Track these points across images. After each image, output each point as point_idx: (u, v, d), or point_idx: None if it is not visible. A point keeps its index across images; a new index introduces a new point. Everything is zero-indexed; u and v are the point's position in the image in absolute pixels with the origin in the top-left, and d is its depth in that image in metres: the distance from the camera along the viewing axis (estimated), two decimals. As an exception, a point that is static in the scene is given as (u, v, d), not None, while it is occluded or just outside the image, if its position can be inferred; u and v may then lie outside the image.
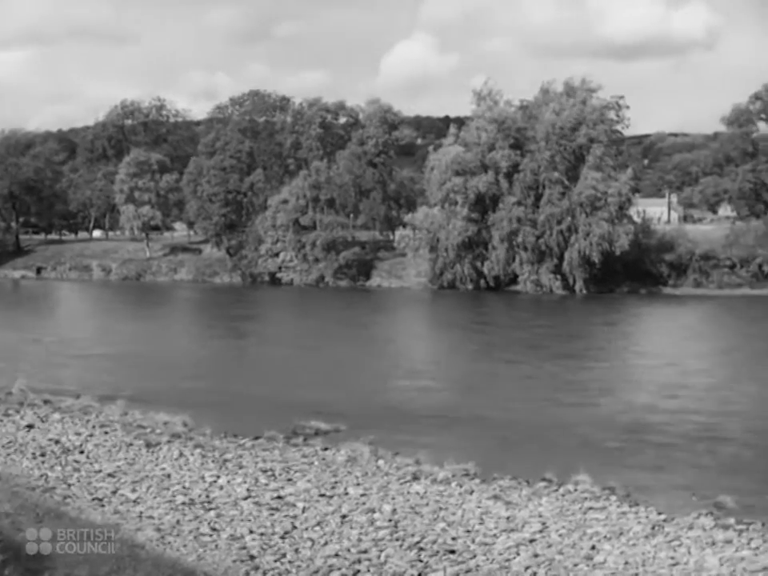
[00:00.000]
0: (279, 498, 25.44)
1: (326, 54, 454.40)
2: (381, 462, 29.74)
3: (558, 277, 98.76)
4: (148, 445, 31.36)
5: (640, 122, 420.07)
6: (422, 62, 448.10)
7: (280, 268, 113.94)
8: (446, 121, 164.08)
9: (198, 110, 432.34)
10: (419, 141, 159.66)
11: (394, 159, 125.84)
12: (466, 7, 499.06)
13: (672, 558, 21.17)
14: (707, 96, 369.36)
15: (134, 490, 25.97)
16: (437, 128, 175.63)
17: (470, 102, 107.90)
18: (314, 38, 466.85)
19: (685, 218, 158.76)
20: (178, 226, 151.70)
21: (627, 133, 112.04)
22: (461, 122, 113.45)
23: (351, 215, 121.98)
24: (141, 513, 23.84)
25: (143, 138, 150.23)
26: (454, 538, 22.29)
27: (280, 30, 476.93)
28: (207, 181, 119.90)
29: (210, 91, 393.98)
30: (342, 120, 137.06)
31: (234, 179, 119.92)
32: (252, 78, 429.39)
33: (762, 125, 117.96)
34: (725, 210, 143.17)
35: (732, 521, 24.01)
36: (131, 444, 31.55)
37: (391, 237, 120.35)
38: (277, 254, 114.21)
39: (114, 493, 25.73)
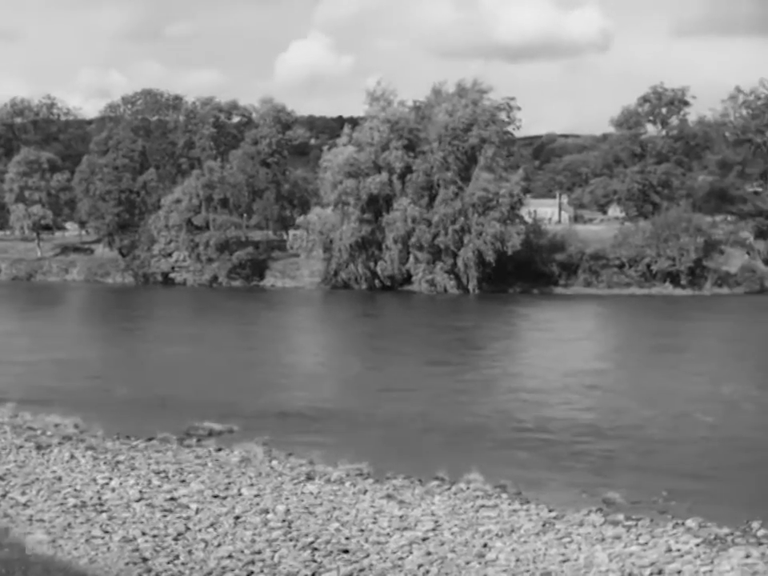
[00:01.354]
0: (172, 499, 25.32)
1: (221, 53, 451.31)
2: (274, 463, 29.76)
3: (453, 276, 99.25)
4: (38, 447, 31.01)
5: (533, 123, 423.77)
6: (318, 62, 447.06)
7: (173, 268, 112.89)
8: (340, 121, 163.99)
9: (92, 109, 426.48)
10: (313, 141, 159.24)
11: (287, 159, 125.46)
12: (362, 7, 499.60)
13: (563, 554, 21.50)
14: (599, 98, 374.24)
15: (23, 493, 25.66)
16: (330, 128, 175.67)
17: (364, 102, 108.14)
18: (209, 37, 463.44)
19: (575, 219, 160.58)
20: (69, 225, 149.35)
21: (519, 134, 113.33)
22: (354, 122, 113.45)
23: (245, 215, 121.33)
24: (31, 516, 23.58)
25: (33, 136, 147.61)
26: (347, 538, 22.38)
27: (175, 29, 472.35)
28: (100, 179, 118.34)
29: (104, 90, 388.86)
30: (236, 119, 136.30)
31: (127, 178, 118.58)
32: (147, 77, 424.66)
33: (650, 127, 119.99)
34: (614, 211, 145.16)
35: (621, 517, 24.47)
36: (21, 446, 31.16)
37: (285, 237, 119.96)
38: (170, 254, 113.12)
39: (4, 496, 25.42)
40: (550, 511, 24.91)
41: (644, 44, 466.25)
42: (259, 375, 49.07)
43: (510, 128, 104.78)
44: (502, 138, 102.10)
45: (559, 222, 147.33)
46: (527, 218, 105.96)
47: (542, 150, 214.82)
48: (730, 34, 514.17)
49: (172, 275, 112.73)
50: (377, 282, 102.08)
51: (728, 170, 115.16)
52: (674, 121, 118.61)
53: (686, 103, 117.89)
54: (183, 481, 27.25)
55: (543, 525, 23.72)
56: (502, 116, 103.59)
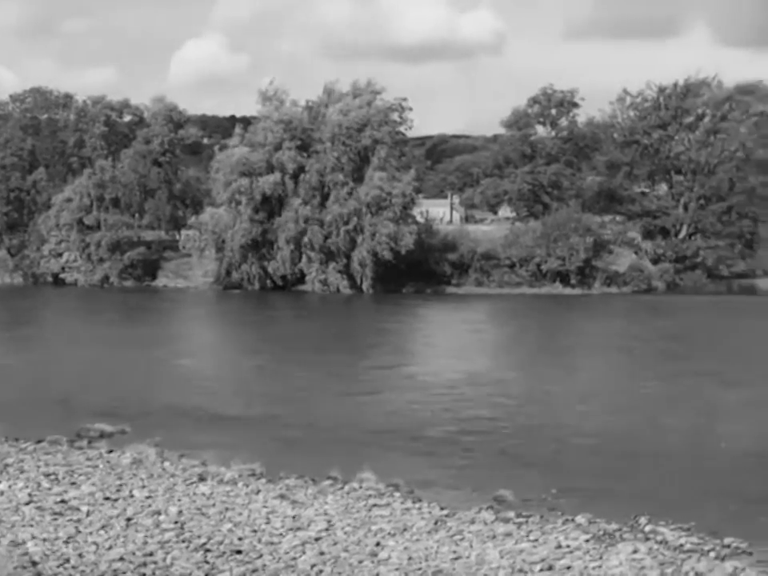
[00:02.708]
0: (63, 502, 25.05)
1: (116, 52, 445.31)
2: (167, 464, 29.60)
3: (346, 276, 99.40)
4: None
5: (426, 123, 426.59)
6: (214, 62, 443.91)
7: (63, 268, 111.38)
8: (233, 120, 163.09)
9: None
10: (206, 140, 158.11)
11: (180, 158, 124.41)
12: (260, 8, 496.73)
13: (454, 552, 21.70)
14: (492, 99, 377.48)
15: None
16: (223, 128, 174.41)
17: (257, 102, 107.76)
18: (103, 35, 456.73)
19: (466, 219, 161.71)
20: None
21: (411, 134, 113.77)
22: (248, 122, 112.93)
23: (137, 215, 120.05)
24: None
25: None
26: (240, 538, 22.36)
27: (68, 26, 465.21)
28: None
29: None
30: (127, 118, 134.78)
31: (16, 177, 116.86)
32: (38, 75, 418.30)
33: (540, 128, 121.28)
34: (505, 211, 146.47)
35: (512, 514, 24.79)
36: None
37: (178, 237, 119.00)
38: (60, 254, 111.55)
39: None
40: (442, 509, 25.13)
41: (536, 46, 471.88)
42: (151, 376, 48.71)
43: (402, 128, 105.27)
44: (394, 139, 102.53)
45: (451, 222, 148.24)
46: (419, 218, 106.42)
47: (434, 150, 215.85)
48: (619, 37, 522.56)
49: (63, 275, 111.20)
50: (269, 281, 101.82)
51: (616, 170, 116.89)
52: (563, 122, 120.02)
53: (575, 105, 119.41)
54: (74, 483, 26.97)
55: (435, 523, 23.92)
56: (395, 116, 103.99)
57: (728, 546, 22.34)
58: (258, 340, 66.73)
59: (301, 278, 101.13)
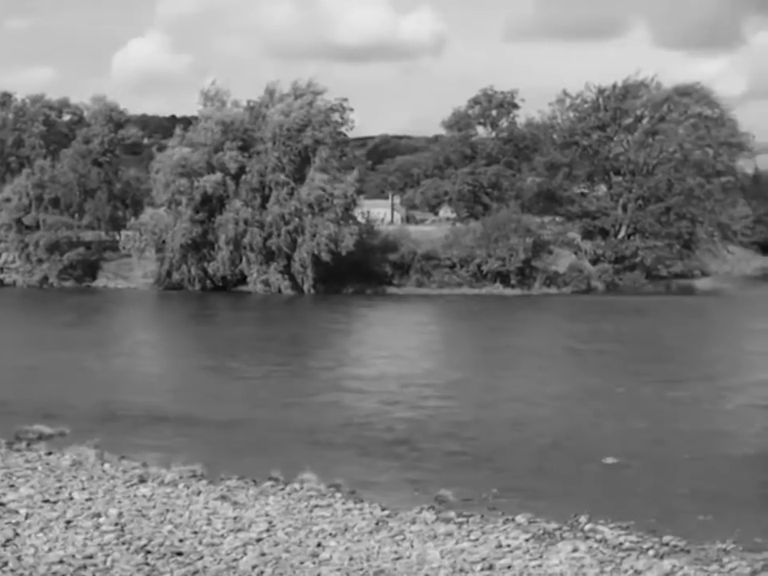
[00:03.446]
0: (1, 504, 24.86)
1: (57, 51, 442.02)
2: (107, 466, 29.45)
3: (287, 277, 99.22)
4: None
5: (369, 124, 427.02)
6: (155, 61, 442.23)
7: (2, 269, 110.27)
8: (174, 120, 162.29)
9: None
10: (146, 140, 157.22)
11: (120, 158, 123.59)
12: (204, 7, 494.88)
13: (396, 552, 21.79)
14: (433, 100, 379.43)
15: None
16: (164, 128, 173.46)
17: (198, 102, 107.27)
18: (45, 34, 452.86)
19: (407, 219, 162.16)
20: None
21: (353, 135, 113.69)
22: (189, 122, 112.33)
23: (76, 215, 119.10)
24: None
25: None
26: (181, 540, 22.31)
27: (9, 25, 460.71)
28: None
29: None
30: (67, 118, 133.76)
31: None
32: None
33: (480, 129, 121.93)
34: (445, 212, 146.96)
35: (452, 514, 24.92)
36: None
37: (118, 237, 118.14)
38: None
39: None
40: (383, 510, 25.21)
41: (477, 48, 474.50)
42: (90, 377, 48.36)
43: (343, 129, 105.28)
44: (335, 139, 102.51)
45: (392, 222, 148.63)
46: (360, 219, 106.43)
47: (376, 151, 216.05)
48: (560, 38, 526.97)
49: (1, 276, 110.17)
50: (210, 282, 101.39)
51: (556, 171, 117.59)
52: (503, 123, 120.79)
53: (515, 106, 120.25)
54: (12, 486, 26.76)
55: (376, 523, 24.01)
56: (336, 117, 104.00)
57: (666, 544, 22.61)
58: (197, 341, 66.49)
59: (242, 279, 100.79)
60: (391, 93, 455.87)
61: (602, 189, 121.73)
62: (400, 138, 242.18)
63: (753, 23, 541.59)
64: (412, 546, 22.20)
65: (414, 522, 24.18)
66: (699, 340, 67.66)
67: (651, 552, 22.05)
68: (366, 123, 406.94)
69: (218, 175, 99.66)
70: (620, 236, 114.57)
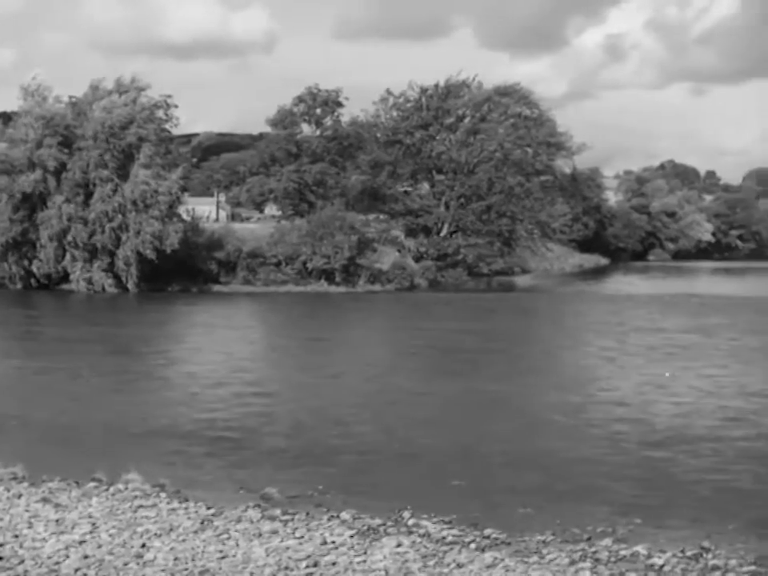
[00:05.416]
0: None
1: None
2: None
3: (111, 275, 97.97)
4: None
5: (197, 122, 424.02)
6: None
7: None
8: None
9: None
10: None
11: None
12: (28, 1, 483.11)
13: (221, 551, 21.80)
14: (263, 97, 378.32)
15: None
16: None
17: (18, 97, 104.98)
18: None
19: (233, 217, 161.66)
20: None
21: (178, 132, 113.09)
22: (9, 117, 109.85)
23: None
24: None
25: None
26: (1, 544, 21.97)
27: None
28: None
29: None
30: None
31: None
32: None
33: (305, 127, 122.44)
34: (271, 209, 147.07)
35: (278, 512, 25.00)
36: None
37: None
38: None
39: None
40: (209, 509, 25.17)
41: (307, 46, 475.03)
42: None
43: (168, 126, 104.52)
44: (160, 136, 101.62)
45: (217, 220, 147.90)
46: (186, 217, 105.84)
47: (200, 148, 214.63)
48: (389, 38, 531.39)
49: None
50: (33, 281, 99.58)
51: (380, 170, 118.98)
52: (328, 121, 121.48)
53: (340, 104, 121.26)
54: None
55: (202, 522, 23.97)
56: (160, 114, 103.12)
57: (488, 537, 23.02)
58: (15, 341, 65.05)
59: (65, 277, 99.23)
60: (220, 90, 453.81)
61: (425, 187, 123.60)
62: (224, 135, 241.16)
63: (575, 25, 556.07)
64: (237, 545, 22.23)
65: (239, 521, 24.22)
66: (515, 336, 69.22)
67: (473, 545, 22.42)
68: (194, 121, 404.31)
69: (38, 172, 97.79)
70: (442, 234, 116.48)
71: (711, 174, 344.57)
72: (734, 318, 78.52)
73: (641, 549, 22.08)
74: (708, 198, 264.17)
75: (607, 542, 22.71)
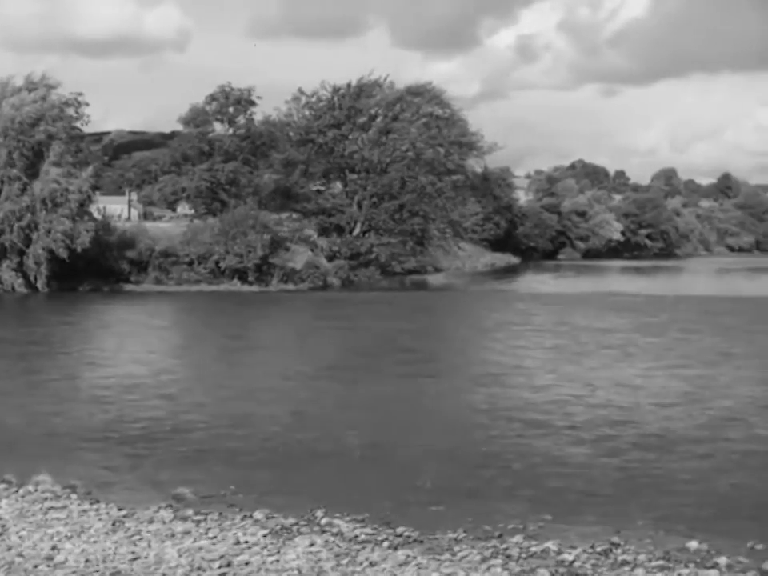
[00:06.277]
0: None
1: None
2: None
3: (21, 275, 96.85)
4: None
5: (109, 119, 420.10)
6: None
7: None
8: None
9: None
10: None
11: None
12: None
13: (133, 552, 21.72)
14: (175, 96, 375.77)
15: None
16: None
17: None
18: None
19: (145, 216, 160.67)
20: None
21: (89, 130, 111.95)
22: None
23: None
24: None
25: None
26: None
27: None
28: None
29: None
30: None
31: None
32: None
33: (217, 125, 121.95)
34: (183, 208, 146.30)
35: (190, 512, 24.96)
36: None
37: None
38: None
39: None
40: (120, 510, 25.05)
41: (221, 44, 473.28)
42: None
43: (78, 123, 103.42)
44: (70, 134, 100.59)
45: (129, 219, 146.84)
46: (97, 215, 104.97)
47: (112, 146, 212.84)
48: (304, 36, 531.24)
49: None
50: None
51: (292, 169, 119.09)
52: (240, 120, 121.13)
53: (253, 103, 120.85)
54: None
55: (113, 524, 23.85)
56: (71, 111, 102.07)
57: (400, 536, 23.17)
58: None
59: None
60: (132, 88, 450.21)
61: (338, 186, 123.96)
62: (136, 133, 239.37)
63: (487, 26, 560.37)
64: (149, 546, 22.17)
65: (151, 522, 24.15)
66: (428, 334, 69.53)
67: (386, 543, 22.56)
68: (106, 119, 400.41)
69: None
70: (355, 233, 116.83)
71: (620, 174, 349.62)
72: (655, 315, 79.39)
73: (551, 545, 22.37)
74: (617, 197, 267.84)
75: (518, 538, 22.98)
